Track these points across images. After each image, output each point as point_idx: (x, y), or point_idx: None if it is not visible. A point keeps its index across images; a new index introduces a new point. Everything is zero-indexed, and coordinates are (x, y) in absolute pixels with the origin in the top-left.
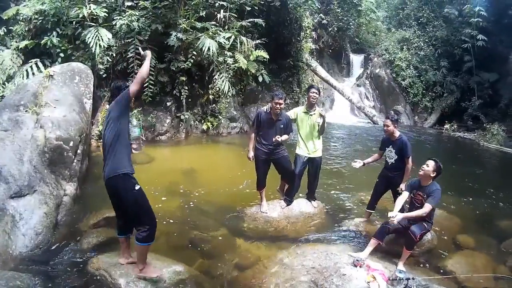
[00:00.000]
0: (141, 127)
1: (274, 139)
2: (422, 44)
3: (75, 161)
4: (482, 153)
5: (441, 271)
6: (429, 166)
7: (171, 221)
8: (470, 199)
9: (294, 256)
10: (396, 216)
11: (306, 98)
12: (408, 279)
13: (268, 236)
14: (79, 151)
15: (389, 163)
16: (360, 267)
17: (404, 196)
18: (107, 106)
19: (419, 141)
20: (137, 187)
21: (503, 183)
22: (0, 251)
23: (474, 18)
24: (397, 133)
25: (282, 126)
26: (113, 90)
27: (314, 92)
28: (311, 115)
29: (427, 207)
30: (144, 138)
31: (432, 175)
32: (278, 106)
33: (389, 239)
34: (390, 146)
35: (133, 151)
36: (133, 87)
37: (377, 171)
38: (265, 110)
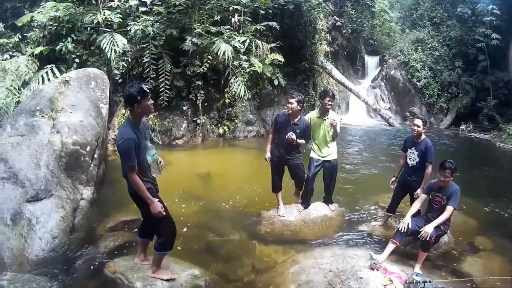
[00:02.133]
0: (154, 154)
1: (287, 136)
2: (436, 45)
3: (91, 165)
4: (498, 154)
5: (458, 273)
6: (447, 173)
7: (188, 224)
8: (487, 201)
9: (311, 259)
10: (407, 223)
11: (320, 104)
12: (425, 282)
13: (285, 239)
14: (95, 156)
15: (410, 165)
16: (377, 270)
17: (422, 199)
18: (123, 111)
19: (436, 143)
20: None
21: None
22: (16, 254)
23: (488, 16)
24: (423, 136)
25: (298, 131)
26: (125, 97)
27: (329, 100)
28: (325, 119)
29: (449, 210)
30: (160, 162)
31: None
32: (289, 105)
33: (406, 241)
34: (413, 148)
35: (153, 174)
36: (131, 177)
37: (392, 176)
38: (285, 111)
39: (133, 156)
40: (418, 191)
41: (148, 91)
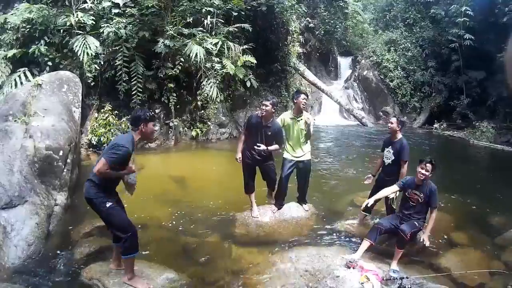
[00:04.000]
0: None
1: (256, 146)
2: (409, 45)
3: (65, 170)
4: (472, 151)
5: (435, 269)
6: (428, 168)
7: (163, 228)
8: (461, 196)
9: (287, 259)
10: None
11: (294, 104)
12: (402, 278)
13: (260, 240)
14: (69, 160)
15: (386, 163)
16: (353, 268)
17: (393, 189)
18: (96, 115)
19: (410, 141)
20: (107, 205)
21: (493, 180)
22: None
23: (461, 17)
24: (399, 135)
25: (269, 133)
26: (133, 118)
27: (304, 99)
28: (298, 120)
29: (435, 214)
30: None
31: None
32: (263, 107)
33: (381, 239)
34: (390, 147)
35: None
36: (103, 171)
37: (368, 173)
38: (257, 113)
39: (119, 163)
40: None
41: (153, 115)
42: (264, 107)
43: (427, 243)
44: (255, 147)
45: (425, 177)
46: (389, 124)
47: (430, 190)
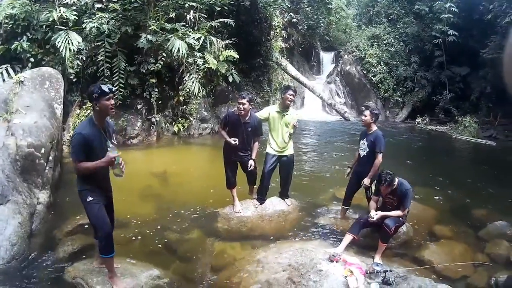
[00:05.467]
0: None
1: (249, 165)
2: (392, 41)
3: (47, 168)
4: (455, 145)
5: (419, 261)
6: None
7: (145, 225)
8: (444, 190)
9: (270, 254)
10: (376, 215)
11: (281, 99)
12: (385, 271)
13: (242, 235)
14: (51, 158)
15: (361, 156)
16: (336, 262)
17: (374, 200)
18: (78, 111)
19: (393, 136)
20: (88, 199)
21: (475, 173)
22: None
23: (445, 14)
24: (374, 127)
25: (250, 129)
26: (86, 95)
27: (291, 95)
28: (284, 115)
29: (403, 210)
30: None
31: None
32: (241, 106)
33: (364, 233)
34: (364, 139)
35: (115, 177)
36: (78, 165)
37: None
38: (234, 111)
39: (80, 153)
40: (365, 180)
41: (107, 90)
42: (241, 106)
43: (373, 216)
44: (250, 164)
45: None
46: (363, 117)
47: (402, 193)
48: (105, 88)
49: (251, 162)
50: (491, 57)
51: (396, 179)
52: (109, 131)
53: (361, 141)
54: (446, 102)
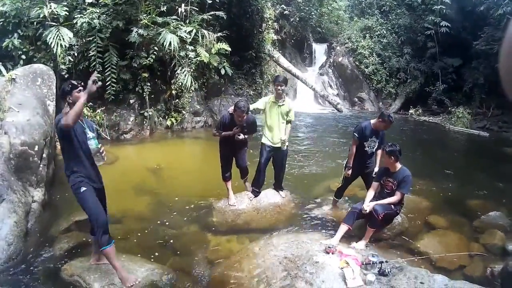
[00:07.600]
0: (95, 139)
1: (236, 136)
2: (385, 32)
3: (41, 166)
4: (448, 136)
5: (414, 252)
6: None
7: (141, 220)
8: (439, 180)
9: (266, 247)
10: (369, 206)
11: (274, 89)
12: (381, 262)
13: (238, 228)
14: (44, 155)
15: (368, 152)
16: (332, 253)
17: (374, 186)
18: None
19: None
20: (81, 190)
21: (469, 164)
22: None
23: (438, 5)
24: (398, 165)
25: (245, 130)
26: (59, 95)
27: (278, 83)
28: (280, 105)
29: (399, 195)
30: (102, 148)
31: (392, 161)
32: (240, 118)
33: (359, 224)
34: (374, 137)
35: (96, 163)
36: (66, 121)
37: (342, 158)
38: (229, 111)
39: (66, 141)
40: (376, 168)
41: (77, 84)
42: (240, 118)
43: (366, 208)
44: (236, 136)
45: (391, 164)
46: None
47: (402, 178)
48: (74, 82)
49: (242, 136)
50: (484, 49)
51: (399, 163)
52: (87, 121)
53: (371, 139)
54: (439, 93)
